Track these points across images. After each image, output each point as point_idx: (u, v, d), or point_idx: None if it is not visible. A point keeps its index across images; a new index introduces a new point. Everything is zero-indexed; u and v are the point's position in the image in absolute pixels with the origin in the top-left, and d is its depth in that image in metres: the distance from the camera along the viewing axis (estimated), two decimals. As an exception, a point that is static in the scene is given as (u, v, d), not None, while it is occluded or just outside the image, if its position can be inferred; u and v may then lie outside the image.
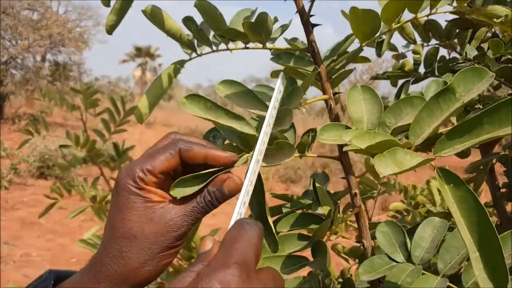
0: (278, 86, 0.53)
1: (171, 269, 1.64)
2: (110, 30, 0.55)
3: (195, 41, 0.63)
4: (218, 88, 0.56)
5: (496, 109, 0.42)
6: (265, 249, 0.58)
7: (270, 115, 0.49)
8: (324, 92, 0.59)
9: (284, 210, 0.70)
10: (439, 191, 1.51)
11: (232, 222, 0.38)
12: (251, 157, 0.46)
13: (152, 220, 0.43)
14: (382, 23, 0.53)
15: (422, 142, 0.47)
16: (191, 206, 0.44)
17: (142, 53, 34.51)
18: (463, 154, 1.19)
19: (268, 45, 0.61)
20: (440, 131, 0.54)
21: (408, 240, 0.61)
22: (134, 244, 0.43)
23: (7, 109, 13.89)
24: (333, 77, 0.61)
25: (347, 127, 0.55)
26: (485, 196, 1.32)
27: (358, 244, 0.71)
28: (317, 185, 0.63)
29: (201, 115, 0.49)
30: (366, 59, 0.71)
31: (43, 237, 4.98)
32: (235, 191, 0.44)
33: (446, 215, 1.31)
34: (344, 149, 0.52)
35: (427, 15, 0.58)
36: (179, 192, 0.44)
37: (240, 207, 0.40)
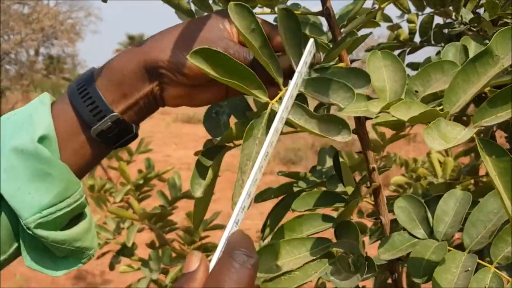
0: (309, 47, 0.48)
1: (174, 254, 1.64)
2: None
3: (194, 7, 0.57)
4: None
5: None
6: (286, 231, 0.53)
7: (290, 94, 0.44)
8: (341, 59, 0.53)
9: (296, 189, 0.67)
10: (440, 162, 1.47)
11: (227, 229, 0.34)
12: (256, 158, 0.40)
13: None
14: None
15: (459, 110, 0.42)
16: None
17: (135, 41, 34.32)
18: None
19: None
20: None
21: (429, 215, 0.57)
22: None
23: (4, 105, 13.81)
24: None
25: (369, 97, 0.50)
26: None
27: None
28: (341, 160, 0.58)
29: (209, 71, 0.43)
30: (375, 23, 0.67)
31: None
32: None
33: (448, 185, 1.27)
34: (373, 122, 0.47)
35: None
36: None
37: (238, 212, 0.35)
